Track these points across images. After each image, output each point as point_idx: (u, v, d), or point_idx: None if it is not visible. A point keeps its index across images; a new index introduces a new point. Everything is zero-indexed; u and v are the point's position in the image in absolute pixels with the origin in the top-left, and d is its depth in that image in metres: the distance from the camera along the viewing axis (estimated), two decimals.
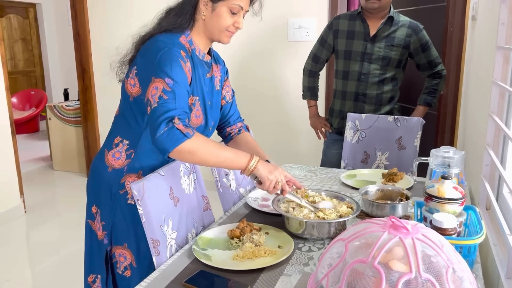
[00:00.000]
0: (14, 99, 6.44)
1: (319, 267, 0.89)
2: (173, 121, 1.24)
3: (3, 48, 3.33)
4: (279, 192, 1.42)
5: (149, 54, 1.35)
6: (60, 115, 4.53)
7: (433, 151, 1.55)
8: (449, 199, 1.24)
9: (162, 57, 1.32)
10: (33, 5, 6.71)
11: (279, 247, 1.32)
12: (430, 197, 1.27)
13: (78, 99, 4.41)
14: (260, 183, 1.39)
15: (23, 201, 3.55)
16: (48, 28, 6.81)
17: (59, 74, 6.98)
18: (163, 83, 1.28)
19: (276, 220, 1.50)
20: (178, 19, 1.43)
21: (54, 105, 4.56)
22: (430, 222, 1.19)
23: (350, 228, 0.89)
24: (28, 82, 6.97)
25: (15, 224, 3.38)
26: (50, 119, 4.58)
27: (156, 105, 1.27)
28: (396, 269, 0.76)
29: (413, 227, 0.82)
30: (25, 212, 3.56)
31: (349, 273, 0.79)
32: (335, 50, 2.51)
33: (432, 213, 1.22)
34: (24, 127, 6.45)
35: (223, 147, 1.36)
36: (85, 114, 4.26)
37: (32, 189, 4.03)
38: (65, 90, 5.10)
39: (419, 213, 1.37)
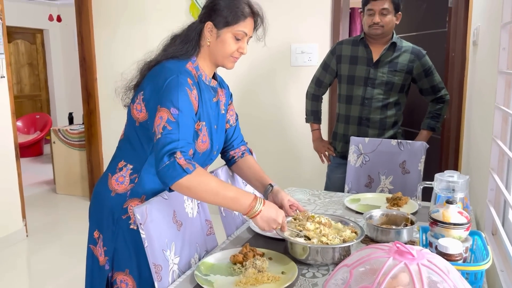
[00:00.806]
0: (19, 123, 6.49)
1: None
2: (175, 155, 1.25)
3: (10, 73, 3.38)
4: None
5: (157, 81, 1.37)
6: (64, 139, 4.56)
7: (437, 176, 1.54)
8: (454, 224, 1.23)
9: (169, 85, 1.33)
10: (41, 31, 6.84)
11: (282, 273, 1.30)
12: (435, 222, 1.26)
13: (83, 123, 4.44)
14: None
15: (25, 225, 3.54)
16: (55, 53, 6.93)
17: (64, 98, 7.06)
18: (167, 113, 1.29)
19: (280, 245, 1.48)
20: (184, 46, 1.45)
21: (59, 129, 4.59)
22: (436, 248, 1.18)
23: (355, 254, 0.88)
24: (34, 106, 7.04)
25: (17, 249, 3.36)
26: (54, 142, 4.61)
27: (159, 136, 1.28)
28: None
29: (419, 252, 0.81)
30: (27, 236, 3.54)
31: None
32: (338, 75, 2.53)
33: (438, 238, 1.21)
34: (28, 150, 6.47)
35: (225, 187, 1.33)
36: (89, 138, 4.28)
37: (35, 213, 4.01)
38: (70, 114, 5.15)
39: (424, 238, 1.36)
